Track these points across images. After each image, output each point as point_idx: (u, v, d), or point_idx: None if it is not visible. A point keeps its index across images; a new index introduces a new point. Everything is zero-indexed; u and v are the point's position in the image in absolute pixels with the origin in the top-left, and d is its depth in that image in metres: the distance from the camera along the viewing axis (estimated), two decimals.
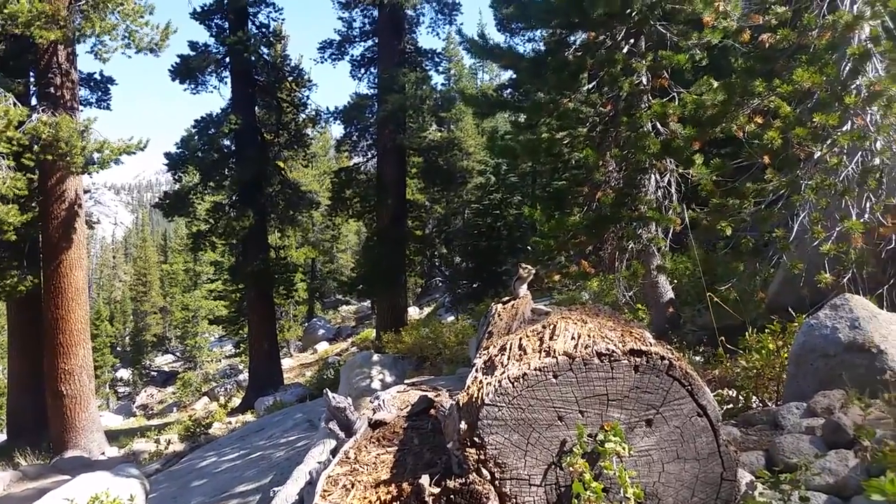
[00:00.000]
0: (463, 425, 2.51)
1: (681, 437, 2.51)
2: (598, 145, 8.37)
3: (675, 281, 8.73)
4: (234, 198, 26.14)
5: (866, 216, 6.29)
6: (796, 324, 4.95)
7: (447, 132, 28.66)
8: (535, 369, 2.50)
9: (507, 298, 4.46)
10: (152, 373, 51.61)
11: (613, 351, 2.52)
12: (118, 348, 57.69)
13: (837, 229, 6.33)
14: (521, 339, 2.95)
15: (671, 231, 8.08)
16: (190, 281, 50.74)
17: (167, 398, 42.26)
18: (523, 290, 4.37)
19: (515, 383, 2.49)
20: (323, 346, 42.40)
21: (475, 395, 2.57)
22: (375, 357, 10.25)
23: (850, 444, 3.33)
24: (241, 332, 36.37)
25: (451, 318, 33.62)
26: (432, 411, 4.42)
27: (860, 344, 4.05)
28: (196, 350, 45.50)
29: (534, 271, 4.45)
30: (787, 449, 3.37)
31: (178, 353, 54.14)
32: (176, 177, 25.53)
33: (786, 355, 4.69)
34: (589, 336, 2.68)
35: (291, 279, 33.49)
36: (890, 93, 5.95)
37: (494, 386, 2.51)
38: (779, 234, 6.85)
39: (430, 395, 5.41)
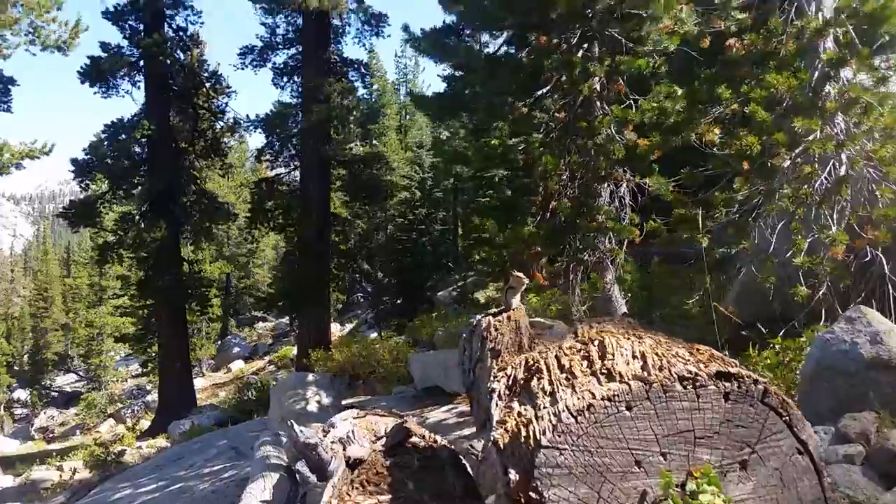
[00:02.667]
0: (513, 475, 1.92)
1: (781, 482, 2.01)
2: (554, 152, 7.97)
3: (630, 294, 8.40)
4: (144, 208, 24.56)
5: (835, 228, 6.10)
6: (804, 338, 4.60)
7: (370, 146, 28.02)
8: (603, 399, 1.95)
9: (495, 311, 3.91)
10: (53, 393, 48.15)
11: (697, 374, 2.00)
12: (15, 367, 53.56)
13: (808, 241, 6.12)
14: (557, 357, 2.40)
15: (627, 242, 7.76)
16: (95, 296, 47.69)
17: (69, 420, 39.40)
18: (516, 301, 3.83)
19: (579, 418, 1.93)
20: (238, 365, 40.58)
21: (523, 434, 1.99)
22: (310, 377, 9.48)
23: None
24: (148, 350, 34.28)
25: (373, 335, 32.80)
26: (413, 440, 3.81)
27: (885, 360, 3.72)
28: (101, 370, 42.74)
29: (527, 281, 3.92)
30: (840, 482, 2.95)
31: (80, 373, 50.76)
32: (83, 185, 23.79)
33: (790, 373, 4.33)
34: (657, 355, 2.16)
35: (206, 295, 31.88)
36: (864, 100, 5.79)
37: (550, 421, 1.95)
38: (745, 246, 6.60)
39: (398, 421, 4.79)
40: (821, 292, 6.01)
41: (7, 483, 19.43)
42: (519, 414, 2.13)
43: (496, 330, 3.42)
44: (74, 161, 22.73)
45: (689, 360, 2.11)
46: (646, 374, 2.04)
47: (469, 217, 31.32)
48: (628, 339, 2.37)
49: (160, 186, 23.37)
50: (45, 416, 43.17)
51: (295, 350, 29.65)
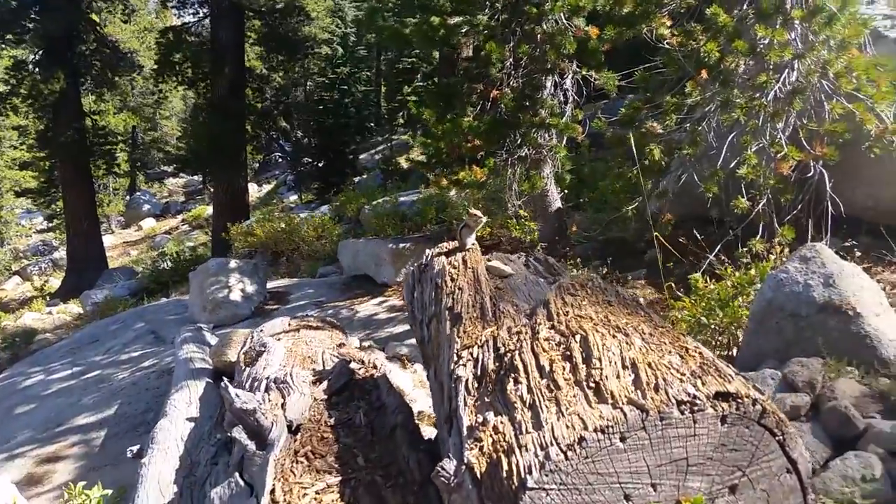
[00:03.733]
0: None
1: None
2: (498, 37, 7.44)
3: (565, 190, 8.25)
4: (38, 55, 22.26)
5: (784, 141, 6.00)
6: (753, 272, 4.56)
7: None
8: (596, 430, 1.77)
9: (449, 247, 3.64)
10: None
11: (696, 396, 1.83)
12: None
13: (752, 151, 6.02)
14: (535, 353, 2.19)
15: (568, 139, 7.51)
16: None
17: None
18: (471, 240, 3.56)
19: (569, 453, 1.75)
20: (149, 223, 39.21)
21: (504, 467, 1.80)
22: (232, 263, 9.06)
23: (858, 439, 2.99)
24: (53, 205, 32.52)
25: (293, 197, 32.13)
26: (355, 377, 3.62)
27: (836, 305, 3.71)
28: (2, 226, 40.42)
29: (484, 219, 3.64)
30: None
31: None
32: None
33: (739, 305, 4.32)
34: (650, 366, 1.96)
35: (112, 151, 30.08)
36: (830, 9, 5.52)
37: (536, 456, 1.76)
38: (689, 152, 6.46)
39: (336, 347, 4.59)
40: (760, 205, 6.00)
41: None
42: (495, 429, 1.93)
43: (452, 280, 3.17)
44: None
45: (684, 375, 1.93)
46: (640, 394, 1.85)
47: (394, 77, 30.12)
48: (614, 336, 2.16)
49: (54, 30, 21.06)
50: None
51: (210, 210, 28.66)
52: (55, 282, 27.34)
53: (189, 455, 4.20)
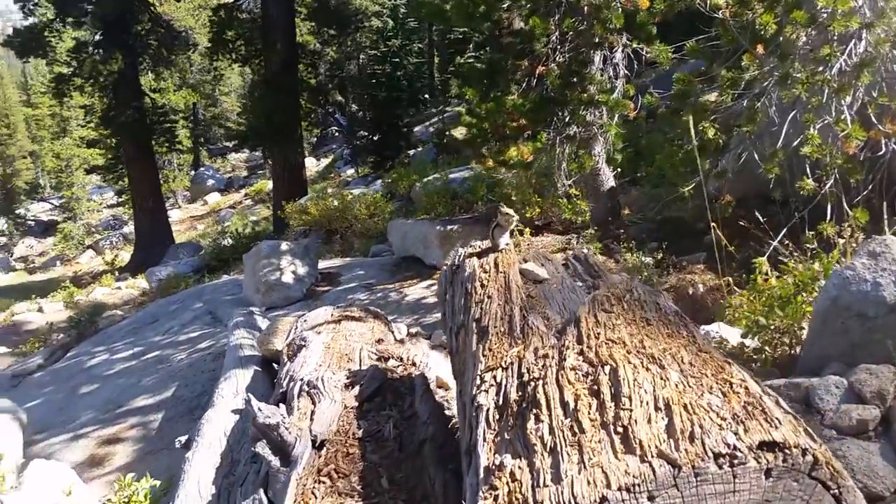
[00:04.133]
0: None
1: None
2: (542, 12, 7.12)
3: (618, 169, 7.93)
4: (98, 37, 22.77)
5: (850, 119, 5.56)
6: (818, 266, 4.24)
7: None
8: (621, 489, 1.60)
9: (481, 247, 3.48)
10: (29, 222, 47.61)
11: (736, 448, 1.64)
12: None
13: (815, 130, 5.60)
14: (559, 385, 2.03)
15: (621, 117, 7.18)
16: (58, 127, 45.89)
17: (48, 250, 39.39)
18: (504, 240, 3.38)
19: None
20: (214, 198, 40.20)
21: None
22: (284, 246, 9.10)
23: None
24: (122, 181, 33.52)
25: (350, 171, 32.28)
26: (390, 376, 3.52)
27: None
28: (74, 202, 41.99)
29: (516, 218, 3.44)
30: (854, 466, 2.74)
31: (54, 201, 50.05)
32: (26, 9, 21.81)
33: (802, 301, 4.02)
34: (686, 409, 1.78)
35: (173, 129, 30.70)
36: None
37: None
38: (748, 129, 6.08)
39: (382, 348, 4.50)
40: (827, 186, 5.60)
41: None
42: (512, 476, 1.79)
43: (482, 287, 3.01)
44: None
45: (724, 419, 1.74)
46: (672, 443, 1.68)
47: (446, 48, 29.62)
48: (647, 368, 1.98)
49: (109, 11, 21.46)
50: (24, 245, 43.09)
51: (271, 184, 29.08)
52: (125, 255, 28.39)
53: (231, 451, 4.22)
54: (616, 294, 2.62)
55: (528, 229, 8.21)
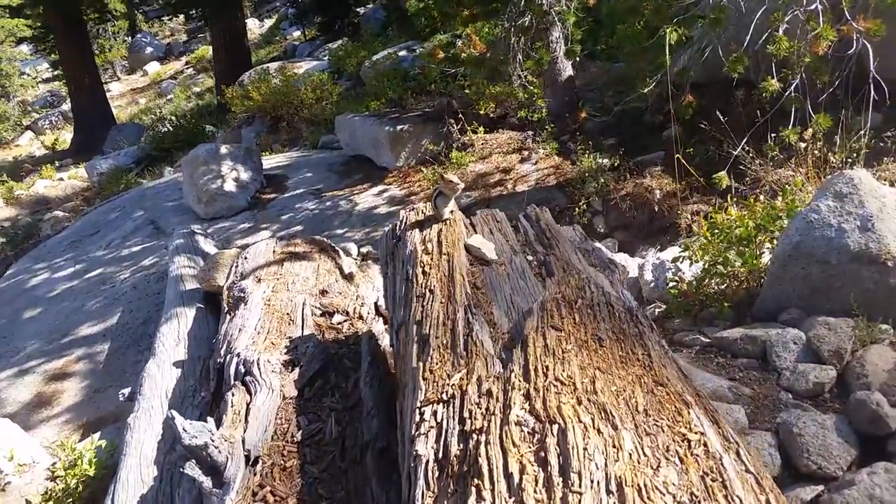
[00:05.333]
0: None
1: None
2: None
3: (576, 59, 7.43)
4: None
5: (821, 16, 5.14)
6: (780, 203, 3.99)
7: None
8: None
9: (424, 213, 3.16)
10: None
11: None
12: None
13: (783, 29, 5.19)
14: (505, 450, 1.82)
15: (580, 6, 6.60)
16: None
17: None
18: (448, 209, 3.05)
19: None
20: (154, 67, 37.93)
21: None
22: (224, 150, 8.50)
23: (890, 438, 2.66)
24: (54, 53, 31.21)
25: (297, 34, 30.46)
26: (330, 332, 3.31)
27: (872, 254, 3.23)
28: (4, 78, 39.31)
29: (461, 186, 3.08)
30: (809, 445, 2.65)
31: None
32: None
33: (766, 239, 3.83)
34: (640, 493, 1.59)
35: None
36: None
37: None
38: (714, 26, 5.61)
39: (326, 302, 4.24)
40: (792, 87, 5.27)
41: None
42: None
43: (423, 275, 2.73)
44: None
45: (681, 502, 1.56)
46: None
47: None
48: (599, 431, 1.77)
49: None
50: None
51: (211, 51, 27.35)
52: (67, 136, 27.01)
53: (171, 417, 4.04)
54: (567, 298, 2.38)
55: (481, 128, 7.79)
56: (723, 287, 3.84)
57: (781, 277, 3.56)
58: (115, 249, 8.91)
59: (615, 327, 2.27)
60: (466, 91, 8.36)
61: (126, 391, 4.83)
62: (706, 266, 3.87)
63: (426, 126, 7.94)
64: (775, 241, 3.75)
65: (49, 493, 4.33)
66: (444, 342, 2.38)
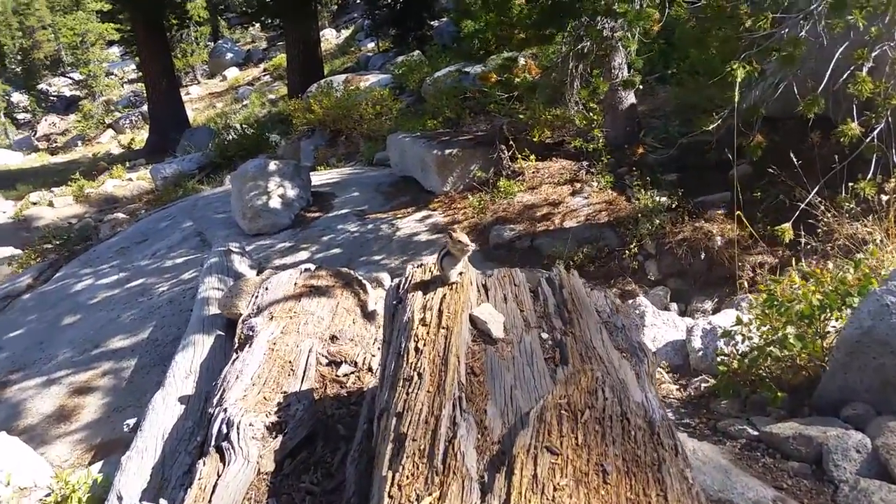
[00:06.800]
0: None
1: None
2: None
3: (638, 88, 6.91)
4: None
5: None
6: (851, 275, 3.43)
7: None
8: None
9: (430, 275, 2.78)
10: (52, 98, 46.93)
11: None
12: (7, 73, 51.54)
13: (866, 69, 4.60)
14: None
15: (644, 31, 6.12)
16: (70, 1, 44.27)
17: (70, 128, 39.00)
18: (457, 271, 2.67)
19: None
20: (233, 73, 38.98)
21: None
22: (272, 166, 8.34)
23: None
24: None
25: (371, 45, 30.67)
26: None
27: None
28: (92, 79, 41.14)
29: (472, 247, 2.69)
30: None
31: (74, 77, 49.14)
32: None
33: (834, 317, 3.28)
34: None
35: (184, 3, 29.21)
36: None
37: None
38: (796, 53, 5.04)
39: (335, 350, 3.90)
40: (875, 132, 4.67)
41: (7, 209, 19.52)
42: None
43: (416, 352, 2.35)
44: None
45: None
46: None
47: None
48: None
49: None
50: (47, 123, 42.61)
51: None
52: (144, 135, 27.87)
53: (163, 465, 3.78)
54: (574, 407, 1.95)
55: (533, 155, 7.34)
56: (777, 372, 3.30)
57: (848, 366, 3.02)
58: (159, 260, 8.87)
59: (627, 452, 1.83)
60: (521, 116, 7.94)
61: (131, 422, 4.63)
62: (761, 344, 3.35)
63: (476, 151, 7.56)
64: (843, 319, 3.20)
65: None
66: (422, 447, 1.98)
